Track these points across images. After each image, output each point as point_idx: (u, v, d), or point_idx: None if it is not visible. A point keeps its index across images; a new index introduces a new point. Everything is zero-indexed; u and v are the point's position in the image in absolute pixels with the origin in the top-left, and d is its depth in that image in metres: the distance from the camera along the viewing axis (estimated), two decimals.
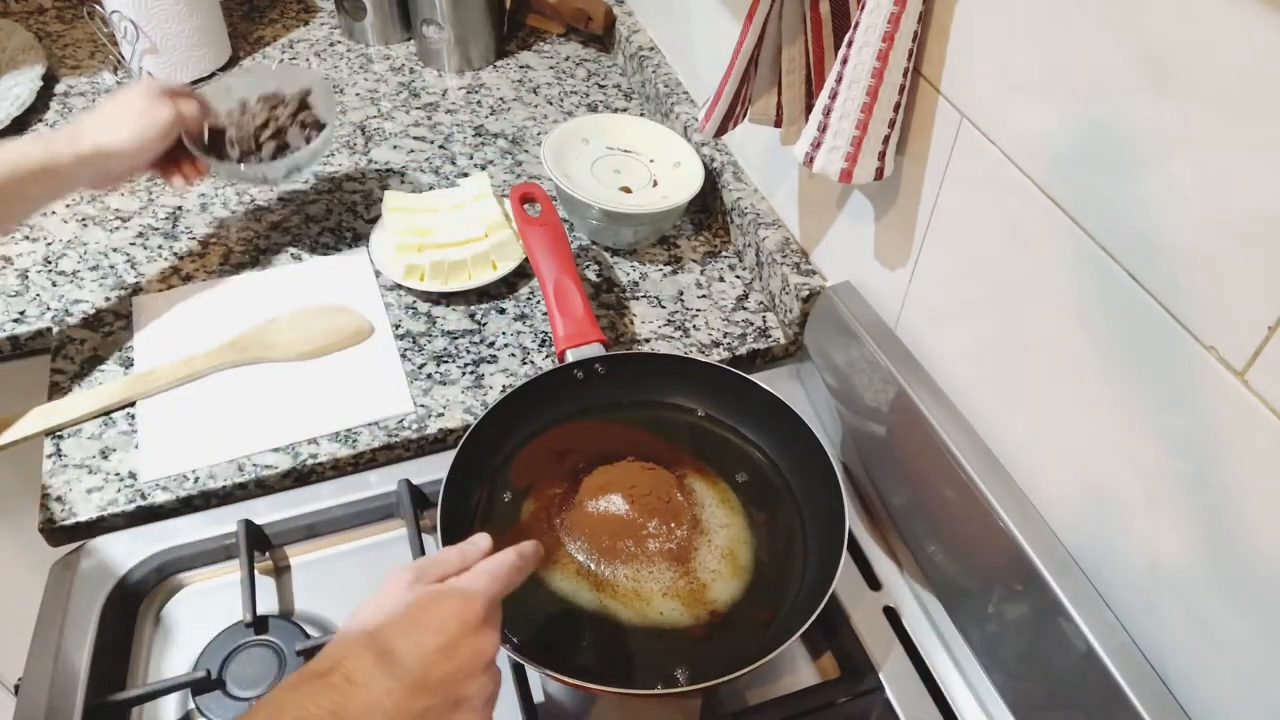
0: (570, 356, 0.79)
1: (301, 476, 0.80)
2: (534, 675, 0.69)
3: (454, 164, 1.11)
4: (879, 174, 0.68)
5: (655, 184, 0.99)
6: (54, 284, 0.94)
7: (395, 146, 1.13)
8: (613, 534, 0.72)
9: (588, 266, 0.99)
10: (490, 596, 0.53)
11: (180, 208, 1.03)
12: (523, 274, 0.96)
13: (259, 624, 0.70)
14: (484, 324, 0.92)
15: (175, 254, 0.97)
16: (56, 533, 0.76)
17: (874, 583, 0.76)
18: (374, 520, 0.79)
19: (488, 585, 0.53)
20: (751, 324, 0.94)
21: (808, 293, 0.88)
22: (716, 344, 0.92)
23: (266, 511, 0.77)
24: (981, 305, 0.67)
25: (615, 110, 1.21)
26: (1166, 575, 0.56)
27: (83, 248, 0.97)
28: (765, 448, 0.79)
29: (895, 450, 0.77)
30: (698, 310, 0.95)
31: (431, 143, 1.14)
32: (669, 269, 0.99)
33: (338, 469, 0.81)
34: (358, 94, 1.21)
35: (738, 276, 0.99)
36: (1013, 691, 0.67)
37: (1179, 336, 0.50)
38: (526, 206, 0.89)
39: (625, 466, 0.74)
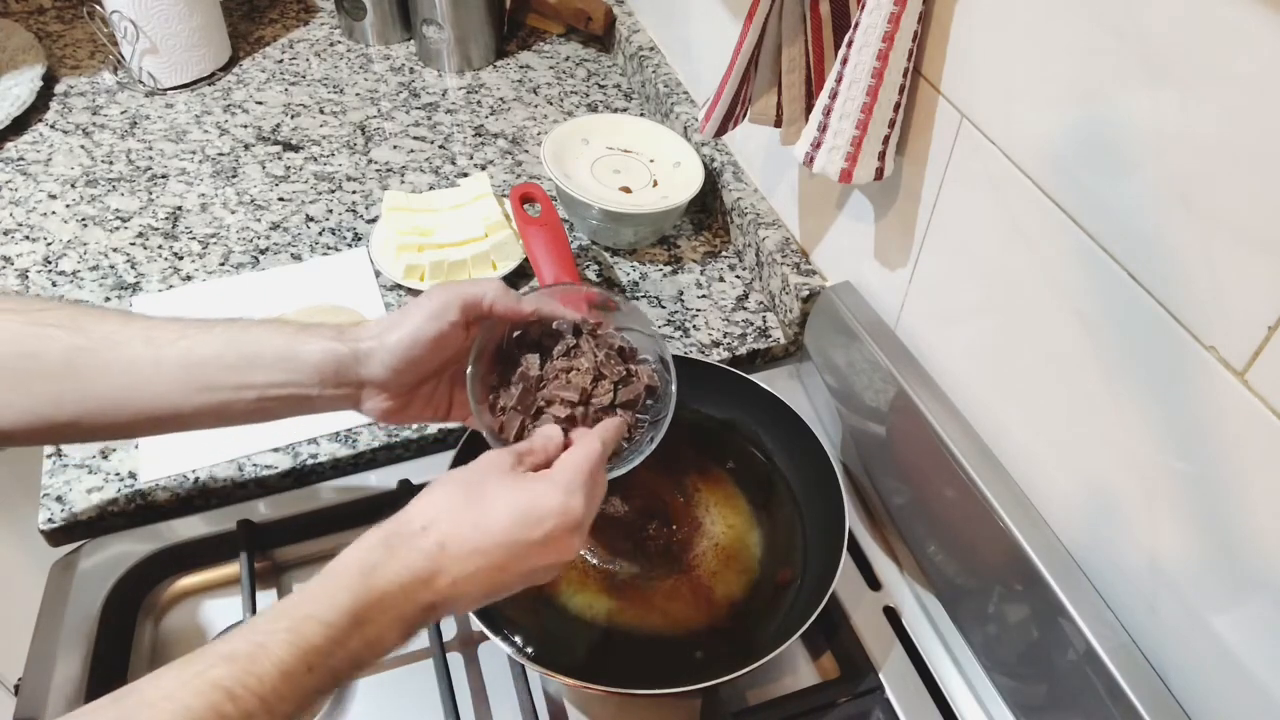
0: None
1: (301, 476, 0.80)
2: (534, 675, 0.69)
3: (454, 164, 1.11)
4: (879, 174, 0.68)
5: (655, 184, 0.99)
6: (54, 284, 0.93)
7: (395, 146, 1.13)
8: (613, 535, 0.72)
9: (588, 266, 0.99)
10: (589, 494, 0.53)
11: (180, 208, 1.03)
12: (523, 274, 0.96)
13: None
14: None
15: (175, 254, 0.97)
16: (56, 533, 0.75)
17: (874, 583, 0.76)
18: (374, 520, 0.79)
19: (585, 482, 0.53)
20: (751, 324, 0.94)
21: (808, 293, 0.88)
22: (716, 344, 0.91)
23: (266, 511, 0.77)
24: (982, 305, 0.67)
25: (615, 110, 1.21)
26: (1166, 575, 0.56)
27: (83, 248, 0.97)
28: (765, 447, 0.79)
29: (895, 450, 0.76)
30: (698, 310, 0.95)
31: (431, 143, 1.14)
32: (669, 269, 0.99)
33: (338, 469, 0.81)
34: (358, 94, 1.21)
35: (738, 276, 0.99)
36: (1013, 691, 0.68)
37: (1179, 336, 0.50)
38: (526, 206, 0.89)
39: None
